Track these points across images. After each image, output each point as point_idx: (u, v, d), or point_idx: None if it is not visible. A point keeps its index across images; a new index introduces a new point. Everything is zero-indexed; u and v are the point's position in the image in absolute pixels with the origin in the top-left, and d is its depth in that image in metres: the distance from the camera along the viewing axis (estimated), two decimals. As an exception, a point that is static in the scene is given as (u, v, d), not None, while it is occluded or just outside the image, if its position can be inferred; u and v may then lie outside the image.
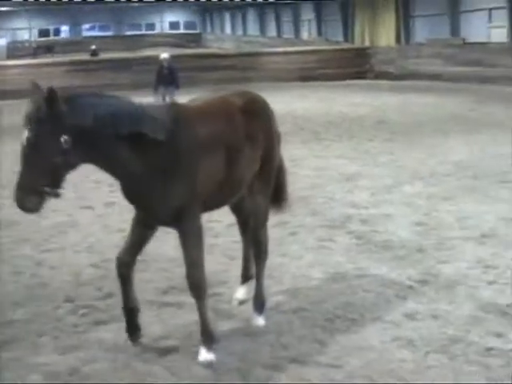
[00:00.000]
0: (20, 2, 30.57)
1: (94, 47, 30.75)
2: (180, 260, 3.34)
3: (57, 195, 2.89)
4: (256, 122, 3.48)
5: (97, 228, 5.84)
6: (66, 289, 4.34)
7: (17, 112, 12.56)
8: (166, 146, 3.04)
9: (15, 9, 31.58)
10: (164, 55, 13.55)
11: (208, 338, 3.30)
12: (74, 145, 2.84)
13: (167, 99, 12.29)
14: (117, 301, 3.75)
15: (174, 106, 3.30)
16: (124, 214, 5.15)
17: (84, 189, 7.24)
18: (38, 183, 2.81)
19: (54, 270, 4.74)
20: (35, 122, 2.81)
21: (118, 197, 3.67)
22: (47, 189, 2.84)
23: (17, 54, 39.85)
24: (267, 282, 3.95)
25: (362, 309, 3.91)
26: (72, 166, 2.93)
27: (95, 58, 26.56)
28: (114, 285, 3.81)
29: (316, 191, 6.86)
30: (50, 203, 3.02)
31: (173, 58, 13.79)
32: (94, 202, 6.84)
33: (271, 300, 3.97)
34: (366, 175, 7.58)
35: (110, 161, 3.01)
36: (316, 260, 4.78)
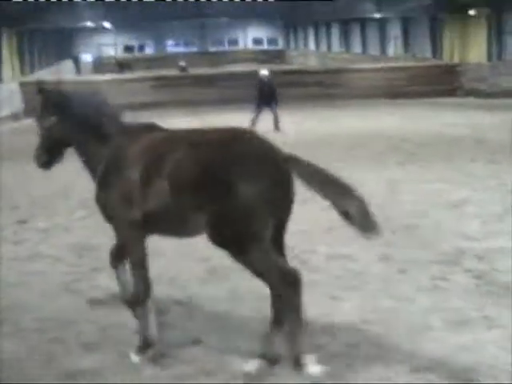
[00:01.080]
0: (106, 17, 31.64)
1: (182, 63, 30.97)
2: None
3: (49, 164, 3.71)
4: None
5: (179, 257, 5.31)
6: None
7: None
8: (107, 150, 3.40)
9: (101, 25, 32.70)
10: (264, 72, 13.45)
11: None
12: (57, 124, 3.58)
13: (273, 116, 12.68)
14: (205, 350, 3.19)
15: (146, 125, 3.57)
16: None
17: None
18: (41, 151, 3.68)
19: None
20: (39, 108, 3.68)
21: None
22: (47, 156, 3.67)
23: (102, 69, 41.26)
24: (374, 330, 3.35)
25: (497, 370, 3.19)
26: (60, 142, 3.64)
27: (179, 74, 26.84)
28: (200, 327, 3.26)
29: (420, 219, 6.12)
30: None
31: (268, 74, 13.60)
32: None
33: (381, 356, 3.31)
34: (473, 201, 6.79)
35: (78, 148, 3.60)
36: (432, 304, 4.08)
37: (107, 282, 4.41)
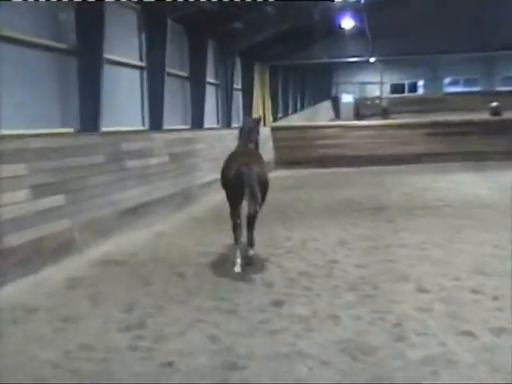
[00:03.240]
0: (372, 52, 32.36)
1: (494, 104, 29.34)
2: None
3: None
4: None
5: (482, 370, 4.67)
6: None
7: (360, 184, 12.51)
8: None
9: (367, 60, 33.69)
10: None
11: None
12: None
13: None
14: None
15: None
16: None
17: (458, 301, 6.27)
18: None
19: None
20: None
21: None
22: None
23: (364, 113, 42.25)
24: None
25: None
26: None
27: (458, 119, 25.95)
28: None
29: None
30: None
31: None
32: (475, 325, 5.70)
33: None
34: None
35: None
36: None
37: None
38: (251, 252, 8.13)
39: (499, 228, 9.85)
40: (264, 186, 7.90)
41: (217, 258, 8.53)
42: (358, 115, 43.34)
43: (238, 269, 7.57)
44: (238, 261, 7.66)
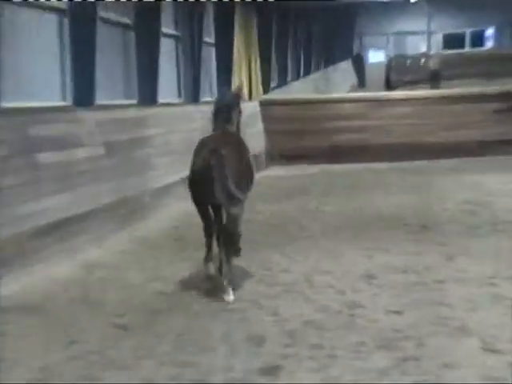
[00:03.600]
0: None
1: None
2: None
3: None
4: None
5: None
6: None
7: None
8: None
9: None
10: None
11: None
12: None
13: None
14: None
15: None
16: None
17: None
18: None
19: None
20: None
21: None
22: None
23: (402, 78, 42.34)
24: None
25: None
26: None
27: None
28: None
29: None
30: None
31: None
32: None
33: None
34: None
35: None
36: None
37: None
38: (228, 295, 8.35)
39: None
40: (246, 183, 8.29)
41: (178, 301, 8.55)
42: (393, 82, 43.58)
43: (229, 296, 8.26)
44: (225, 283, 8.25)
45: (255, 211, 14.21)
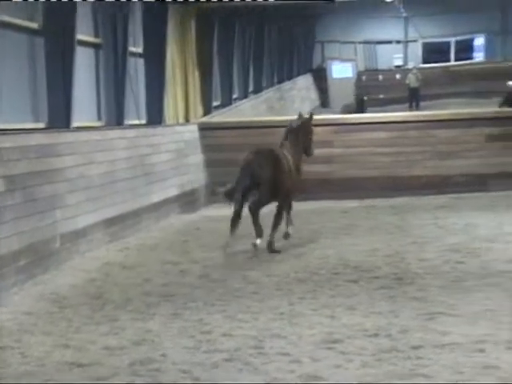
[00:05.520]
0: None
1: None
2: None
3: None
4: None
5: None
6: None
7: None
8: None
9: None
10: None
11: None
12: None
13: None
14: None
15: None
16: None
17: None
18: None
19: None
20: None
21: None
22: None
23: (374, 97, 42.73)
24: None
25: None
26: None
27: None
28: None
29: None
30: None
31: None
32: None
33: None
34: None
35: None
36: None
37: None
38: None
39: None
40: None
41: (94, 375, 8.47)
42: (363, 102, 43.97)
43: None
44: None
45: (191, 260, 14.25)
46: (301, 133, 16.75)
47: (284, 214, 16.06)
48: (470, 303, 10.98)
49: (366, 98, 42.70)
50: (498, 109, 26.59)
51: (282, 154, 15.94)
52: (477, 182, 22.51)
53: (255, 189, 15.41)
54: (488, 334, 9.40)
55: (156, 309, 11.00)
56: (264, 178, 15.24)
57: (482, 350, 8.85)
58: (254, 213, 15.37)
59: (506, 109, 27.94)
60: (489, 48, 50.25)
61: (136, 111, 23.19)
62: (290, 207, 16.23)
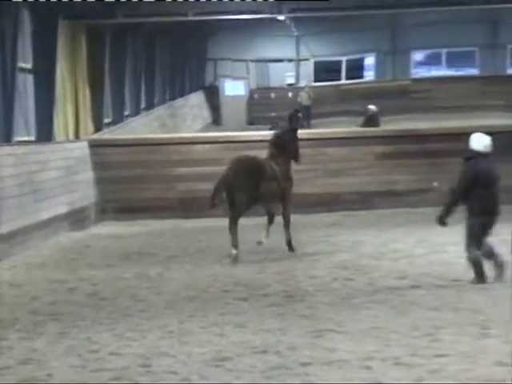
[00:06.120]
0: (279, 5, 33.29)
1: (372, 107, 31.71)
2: None
3: None
4: None
5: None
6: None
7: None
8: None
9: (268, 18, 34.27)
10: None
11: None
12: None
13: None
14: None
15: None
16: None
17: None
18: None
19: None
20: None
21: None
22: None
23: (266, 115, 42.70)
24: None
25: None
26: None
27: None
28: None
29: None
30: None
31: None
32: None
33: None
34: None
35: None
36: None
37: None
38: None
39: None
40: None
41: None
42: (255, 120, 44.16)
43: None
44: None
45: (80, 278, 14.16)
46: (286, 143, 17.72)
47: (267, 222, 17.10)
48: (358, 320, 11.10)
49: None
50: (388, 127, 26.80)
51: (264, 162, 16.95)
52: (365, 200, 22.72)
53: (233, 197, 16.39)
54: (375, 351, 9.52)
55: (43, 327, 10.92)
56: (239, 187, 16.29)
57: (368, 367, 8.95)
58: (233, 222, 16.29)
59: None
60: (379, 67, 50.99)
61: (25, 128, 22.96)
62: (272, 219, 17.15)
